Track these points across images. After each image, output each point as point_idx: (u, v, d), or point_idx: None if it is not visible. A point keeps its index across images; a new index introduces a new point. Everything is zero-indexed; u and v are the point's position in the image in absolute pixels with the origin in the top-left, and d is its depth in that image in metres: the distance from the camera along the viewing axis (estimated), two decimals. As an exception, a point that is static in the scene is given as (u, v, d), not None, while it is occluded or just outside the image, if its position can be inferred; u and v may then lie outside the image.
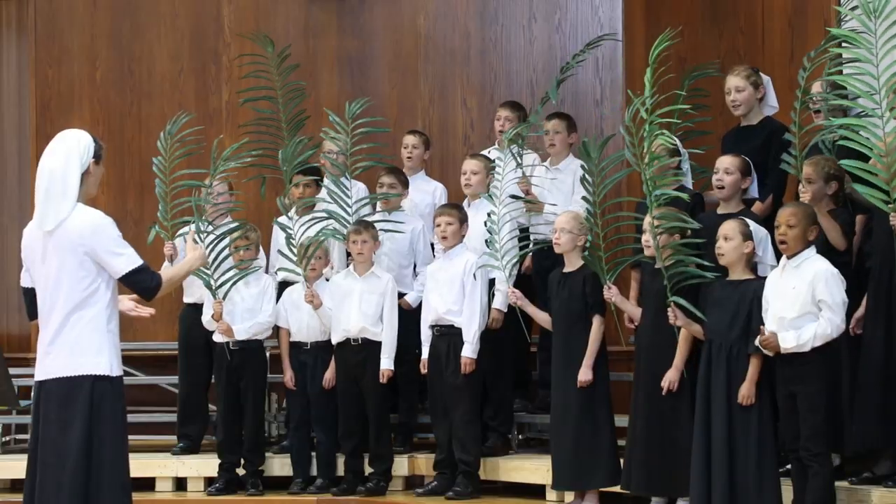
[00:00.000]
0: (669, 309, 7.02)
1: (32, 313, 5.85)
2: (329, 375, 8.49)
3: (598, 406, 7.60)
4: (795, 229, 6.59)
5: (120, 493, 5.63)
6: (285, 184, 8.73)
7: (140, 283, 5.71)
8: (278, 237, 9.02)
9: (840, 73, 7.06)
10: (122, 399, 5.72)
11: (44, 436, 5.63)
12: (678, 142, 7.61)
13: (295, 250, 8.51)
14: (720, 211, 7.37)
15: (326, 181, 8.86)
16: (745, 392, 6.70)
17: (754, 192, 7.54)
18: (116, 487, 5.61)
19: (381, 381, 8.32)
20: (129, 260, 5.68)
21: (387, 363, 8.34)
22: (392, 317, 8.39)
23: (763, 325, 6.63)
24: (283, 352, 8.70)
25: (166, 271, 5.90)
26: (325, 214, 8.62)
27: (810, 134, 7.34)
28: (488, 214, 8.11)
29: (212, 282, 8.27)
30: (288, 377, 8.61)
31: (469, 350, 8.10)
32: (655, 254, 7.08)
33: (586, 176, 7.53)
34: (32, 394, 5.77)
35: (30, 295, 5.83)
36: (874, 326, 6.83)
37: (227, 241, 8.34)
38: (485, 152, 8.86)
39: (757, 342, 6.60)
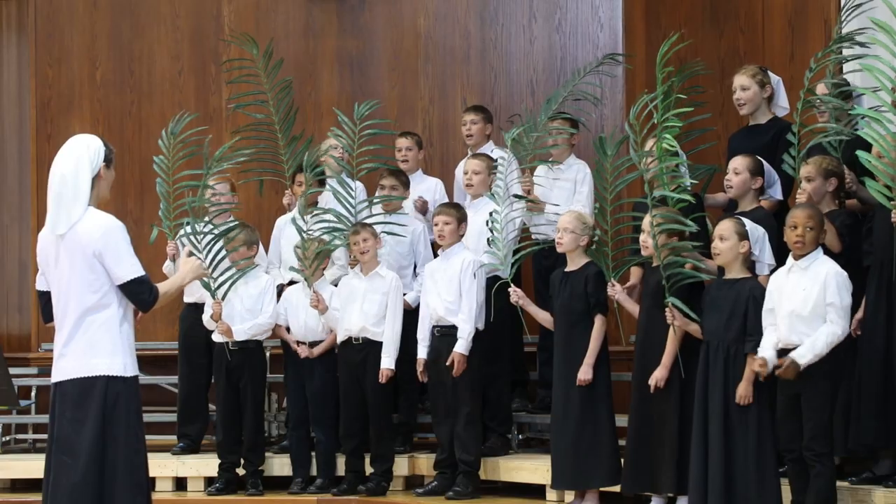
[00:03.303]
0: (667, 309, 7.03)
1: (48, 316, 5.89)
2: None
3: (598, 406, 7.60)
4: (814, 232, 6.60)
5: (134, 492, 5.66)
6: (304, 186, 8.70)
7: (139, 293, 5.74)
8: (280, 237, 9.02)
9: (840, 71, 7.07)
10: (138, 399, 5.77)
11: (59, 435, 5.67)
12: (676, 144, 7.61)
13: (305, 252, 8.48)
14: (738, 211, 7.37)
15: (330, 182, 8.85)
16: (743, 392, 6.70)
17: (777, 193, 7.51)
18: (131, 486, 5.65)
19: (380, 380, 8.31)
20: (132, 268, 5.71)
21: (387, 362, 8.32)
22: (395, 316, 8.38)
23: (764, 329, 6.64)
24: (281, 335, 8.66)
25: (163, 285, 5.89)
26: (328, 215, 8.60)
27: (812, 134, 7.35)
28: (490, 214, 8.11)
29: (210, 282, 8.26)
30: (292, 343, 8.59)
31: (462, 347, 8.07)
32: (654, 253, 7.09)
33: (600, 173, 7.52)
34: (39, 394, 5.79)
35: (45, 298, 5.87)
36: (874, 325, 6.83)
37: (223, 241, 8.32)
38: (485, 151, 8.88)
39: (778, 372, 6.54)
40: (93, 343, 5.66)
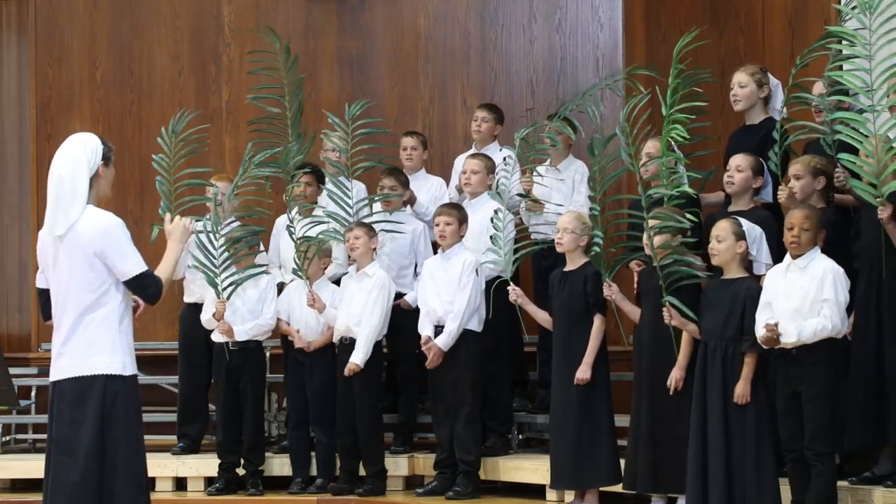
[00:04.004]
0: (664, 309, 7.03)
1: (47, 314, 5.87)
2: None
3: (598, 405, 7.60)
4: (809, 233, 6.61)
5: (135, 491, 5.65)
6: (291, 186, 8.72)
7: (145, 288, 5.74)
8: (280, 237, 9.03)
9: (840, 68, 7.09)
10: (137, 398, 5.75)
11: (57, 435, 5.67)
12: (674, 143, 7.60)
13: (305, 252, 8.48)
14: (731, 209, 7.38)
15: (327, 182, 8.86)
16: (741, 391, 6.71)
17: (767, 196, 7.51)
18: (131, 485, 5.64)
19: (345, 373, 8.27)
20: (136, 264, 5.70)
21: (356, 357, 8.25)
22: (372, 314, 8.30)
23: (758, 322, 6.64)
24: (281, 327, 8.65)
25: (160, 270, 5.82)
26: (325, 216, 8.61)
27: (794, 131, 7.37)
28: (495, 212, 8.10)
29: (218, 281, 8.26)
30: (292, 335, 8.56)
31: (442, 341, 8.06)
32: (651, 253, 7.10)
33: (594, 174, 7.52)
34: (39, 394, 5.77)
35: (44, 296, 5.85)
36: (864, 325, 6.83)
37: (226, 242, 8.32)
38: (485, 151, 8.88)
39: (759, 334, 6.59)
40: (91, 342, 5.65)
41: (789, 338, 6.51)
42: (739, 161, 7.39)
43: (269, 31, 9.06)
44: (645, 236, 7.15)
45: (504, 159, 8.48)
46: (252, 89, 9.25)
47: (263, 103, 9.10)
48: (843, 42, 6.98)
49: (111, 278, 5.69)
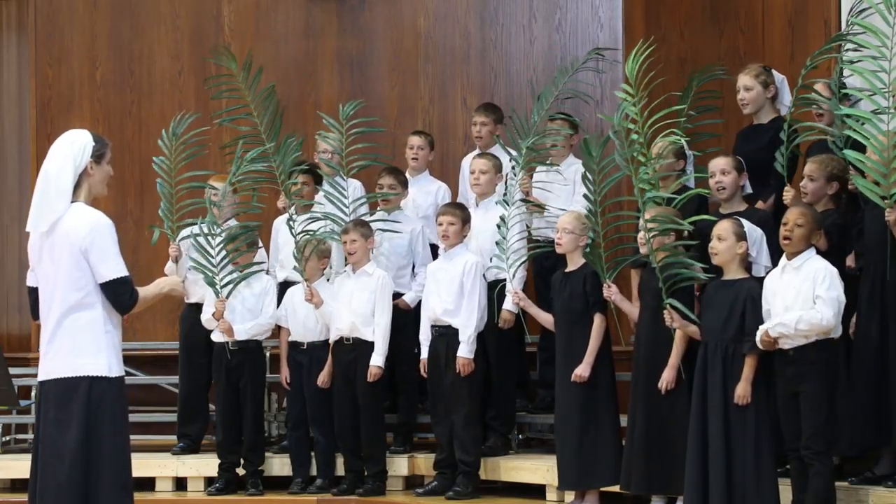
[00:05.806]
0: (665, 311, 7.02)
1: (36, 313, 5.84)
2: (324, 376, 8.47)
3: (601, 405, 7.59)
4: (802, 229, 6.62)
5: (121, 493, 5.61)
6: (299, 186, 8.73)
7: (120, 294, 5.64)
8: (278, 238, 9.03)
9: (841, 72, 7.09)
10: (123, 399, 5.70)
11: (44, 436, 5.63)
12: (685, 144, 7.59)
13: (297, 250, 8.49)
14: (723, 211, 7.38)
15: (324, 183, 8.85)
16: (741, 392, 6.71)
17: (747, 187, 7.56)
18: (117, 487, 5.60)
19: (368, 379, 8.29)
20: (116, 268, 5.62)
21: (376, 360, 8.29)
22: (382, 314, 8.34)
23: (760, 325, 6.65)
24: (281, 351, 8.70)
25: (143, 290, 5.77)
26: (321, 215, 8.61)
27: (801, 131, 7.38)
28: (501, 218, 8.07)
29: (216, 280, 8.26)
30: (284, 375, 8.61)
31: (465, 350, 8.07)
32: (650, 254, 7.09)
33: (587, 174, 7.52)
34: (34, 393, 5.75)
35: (34, 295, 5.81)
36: (867, 325, 6.83)
37: (234, 241, 8.33)
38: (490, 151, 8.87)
39: (758, 339, 6.60)
40: (76, 343, 5.59)
41: (787, 328, 6.50)
42: (723, 165, 7.40)
43: (226, 54, 8.99)
44: (641, 237, 7.14)
45: (509, 163, 8.46)
46: (216, 115, 9.18)
47: (239, 123, 9.01)
48: (861, 38, 6.93)
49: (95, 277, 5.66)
